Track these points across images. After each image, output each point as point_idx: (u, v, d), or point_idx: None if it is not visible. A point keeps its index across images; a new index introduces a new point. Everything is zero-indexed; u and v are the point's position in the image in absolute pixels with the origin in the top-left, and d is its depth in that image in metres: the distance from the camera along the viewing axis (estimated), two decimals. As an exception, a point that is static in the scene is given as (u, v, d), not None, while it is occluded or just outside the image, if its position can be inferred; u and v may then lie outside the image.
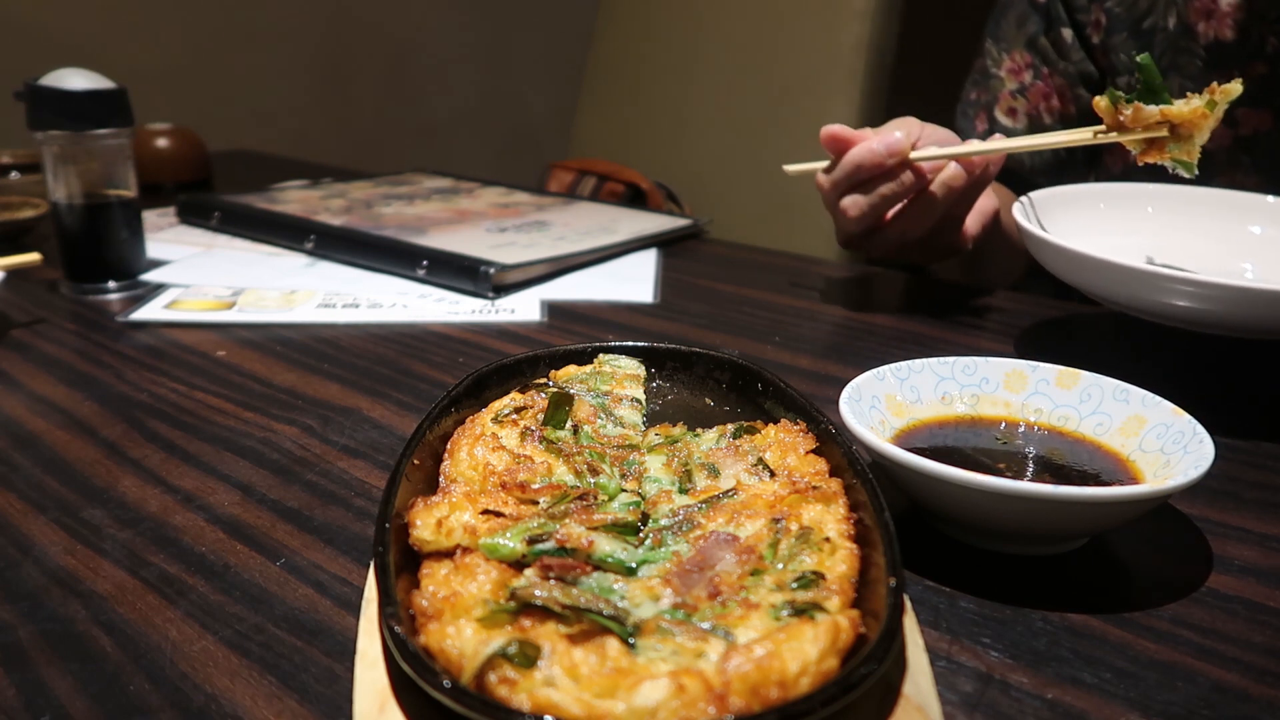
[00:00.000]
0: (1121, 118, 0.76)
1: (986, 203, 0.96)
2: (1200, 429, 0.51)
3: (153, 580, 0.48)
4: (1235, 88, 0.72)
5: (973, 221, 0.95)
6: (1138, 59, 0.75)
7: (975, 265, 1.15)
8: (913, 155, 0.85)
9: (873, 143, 0.85)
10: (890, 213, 0.91)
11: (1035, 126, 1.18)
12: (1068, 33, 1.12)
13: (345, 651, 0.43)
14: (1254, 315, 0.66)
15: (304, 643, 0.44)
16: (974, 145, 0.86)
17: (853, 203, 0.88)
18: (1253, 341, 0.81)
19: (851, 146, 0.87)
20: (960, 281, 1.14)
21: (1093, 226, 0.88)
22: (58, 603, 0.47)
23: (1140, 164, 0.77)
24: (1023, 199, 0.86)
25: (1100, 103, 0.76)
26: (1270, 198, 0.89)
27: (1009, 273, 1.22)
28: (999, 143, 0.87)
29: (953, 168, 0.86)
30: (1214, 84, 0.73)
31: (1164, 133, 0.74)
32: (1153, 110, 0.74)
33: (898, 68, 1.71)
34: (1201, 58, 1.01)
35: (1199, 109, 0.72)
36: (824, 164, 0.91)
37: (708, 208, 1.68)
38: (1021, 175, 1.18)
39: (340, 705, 0.40)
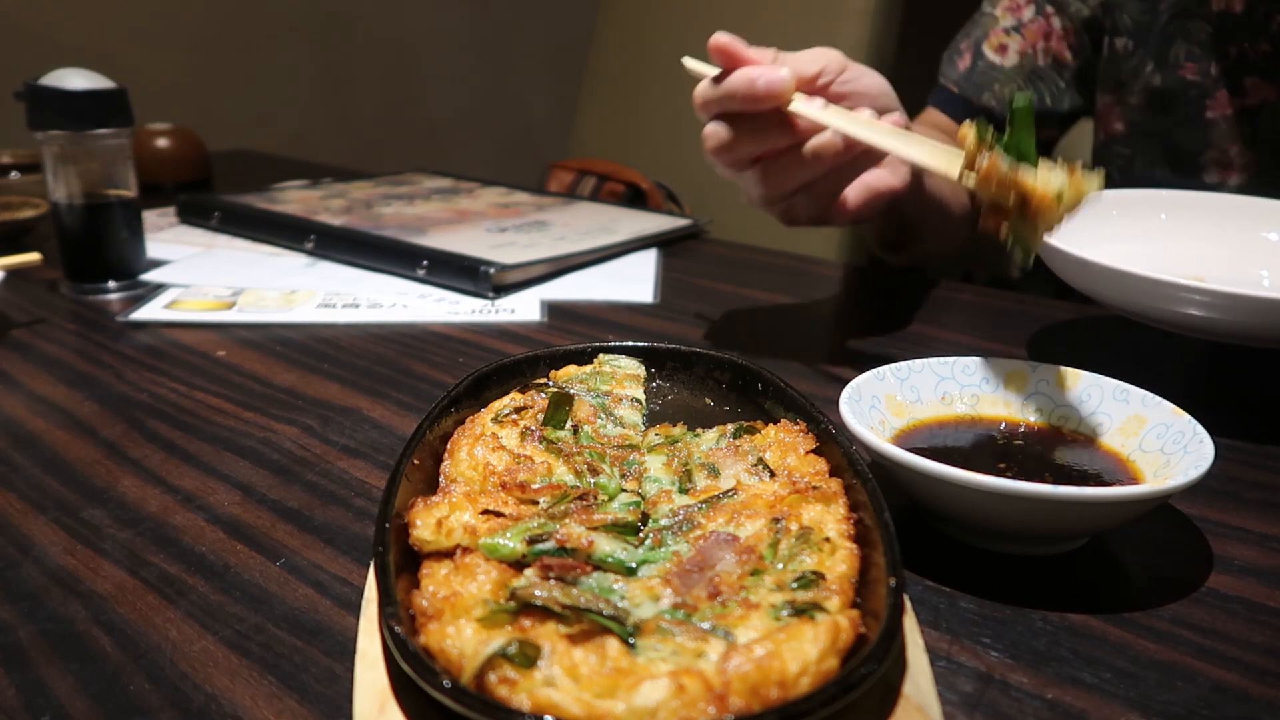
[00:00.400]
0: (977, 162, 0.60)
1: (880, 179, 0.80)
2: (1200, 429, 0.51)
3: (153, 580, 0.48)
4: (1093, 183, 0.57)
5: (855, 194, 0.79)
6: (1015, 102, 0.59)
7: (895, 246, 1.06)
8: (793, 106, 0.71)
9: (755, 75, 0.70)
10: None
11: (1027, 65, 1.10)
12: (1050, 6, 1.09)
13: (345, 651, 0.43)
14: (1269, 325, 0.65)
15: (304, 643, 0.44)
16: (866, 120, 0.71)
17: (713, 132, 0.75)
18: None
19: (738, 66, 0.72)
20: (921, 267, 1.12)
21: (1106, 234, 0.86)
22: (58, 603, 0.47)
23: (981, 228, 0.64)
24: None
25: (965, 133, 0.61)
26: None
27: (941, 249, 1.12)
28: (883, 135, 0.69)
29: (827, 136, 0.71)
30: (1076, 165, 0.58)
31: (1009, 202, 0.59)
32: (1007, 170, 0.58)
33: (898, 68, 1.71)
34: (1211, 26, 0.99)
35: (1048, 197, 0.57)
36: (714, 72, 0.74)
37: (708, 208, 1.68)
38: (1000, 120, 1.09)
39: (340, 705, 0.40)
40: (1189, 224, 0.89)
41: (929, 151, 0.65)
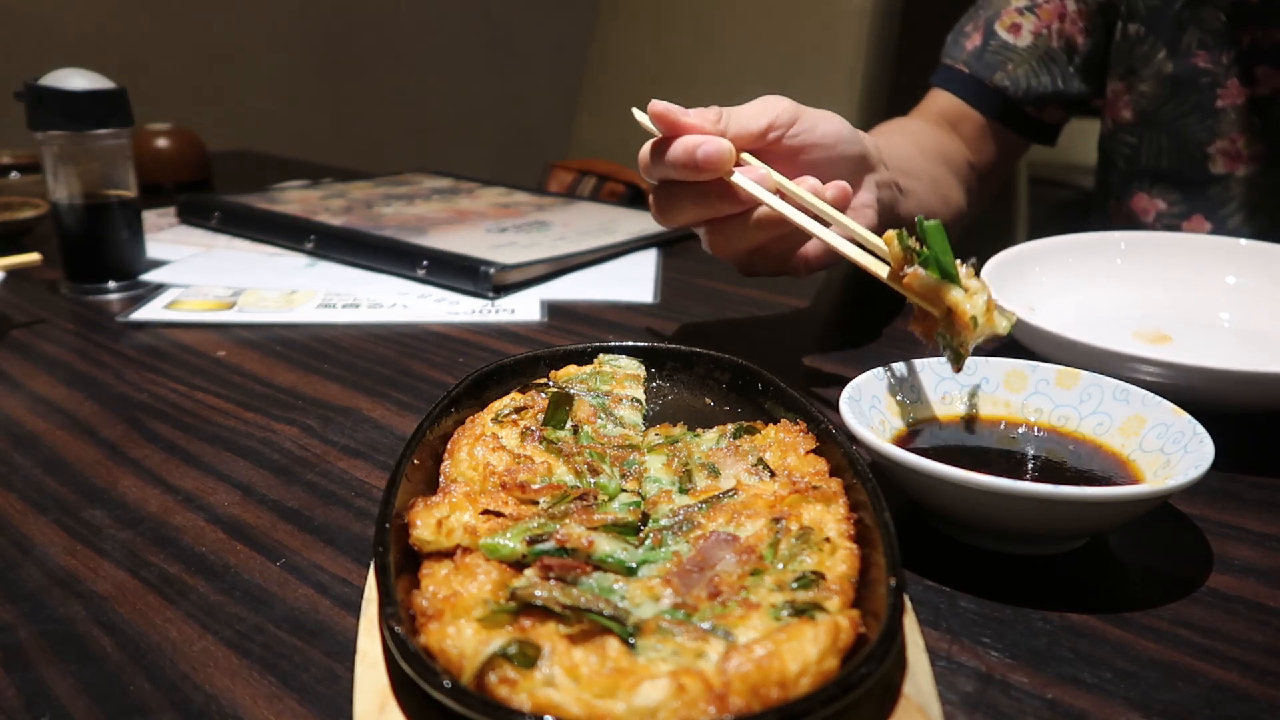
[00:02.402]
0: (902, 273, 0.58)
1: (861, 218, 0.76)
2: (1200, 429, 0.51)
3: (153, 580, 0.48)
4: (1003, 325, 0.56)
5: (815, 249, 0.77)
6: (926, 224, 0.57)
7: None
8: (735, 178, 0.67)
9: (694, 145, 0.67)
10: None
11: (1041, 46, 1.08)
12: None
13: (345, 651, 0.43)
14: (1231, 393, 0.62)
15: (304, 643, 0.44)
16: (805, 195, 0.67)
17: (657, 199, 0.73)
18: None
19: (679, 134, 0.68)
20: None
21: (1065, 284, 0.84)
22: (58, 603, 0.47)
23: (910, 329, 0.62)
24: (993, 261, 0.81)
25: (890, 241, 0.59)
26: (1243, 241, 0.86)
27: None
28: (814, 223, 0.66)
29: (767, 210, 0.68)
30: (995, 301, 0.57)
31: (936, 312, 0.57)
32: (931, 282, 0.57)
33: (898, 68, 1.71)
34: (1224, 14, 0.98)
35: (967, 318, 0.55)
36: (655, 133, 0.71)
37: (708, 208, 1.68)
38: (1009, 99, 1.10)
39: (340, 705, 0.40)
40: (1146, 268, 0.87)
41: (858, 252, 0.63)
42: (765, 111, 0.73)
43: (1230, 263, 0.85)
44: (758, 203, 0.68)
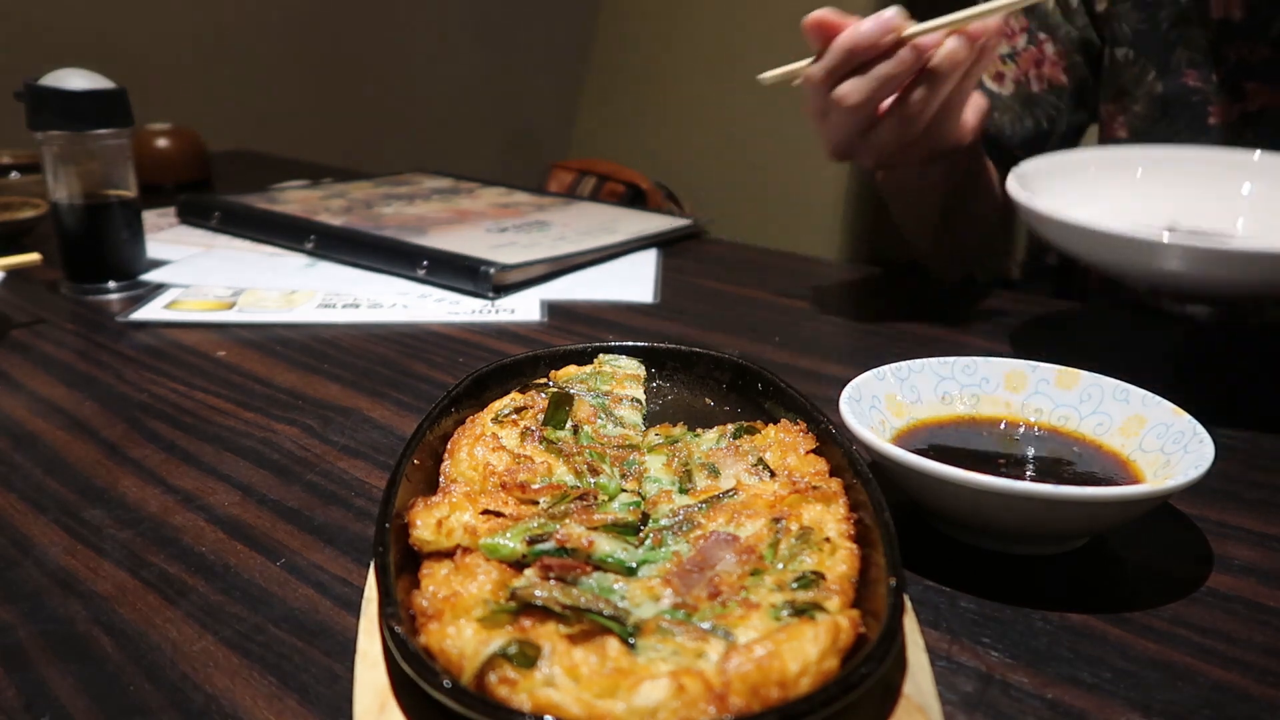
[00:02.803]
0: None
1: (980, 99, 0.92)
2: (1200, 429, 0.51)
3: (153, 580, 0.48)
4: None
5: (971, 112, 0.89)
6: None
7: (951, 226, 1.11)
8: (908, 31, 0.78)
9: (863, 24, 0.77)
10: (885, 104, 0.83)
11: (1022, 93, 1.13)
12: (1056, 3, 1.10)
13: (345, 651, 0.43)
14: (1236, 278, 0.66)
15: (304, 643, 0.44)
16: (967, 11, 0.78)
17: (851, 88, 0.79)
18: (1253, 340, 0.81)
19: (840, 31, 0.78)
20: (941, 253, 1.13)
21: (1086, 194, 0.87)
22: (58, 603, 0.47)
23: None
24: (1014, 171, 0.84)
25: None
26: (1257, 153, 0.89)
27: (981, 242, 1.18)
28: (994, 2, 0.78)
29: (954, 41, 0.78)
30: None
31: None
32: None
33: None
34: (1211, 33, 0.99)
35: None
36: (805, 63, 0.82)
37: (708, 208, 1.68)
38: (1002, 145, 1.14)
39: (340, 705, 0.40)
40: (1166, 178, 0.90)
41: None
42: (892, 9, 0.81)
43: (1245, 174, 0.89)
44: (940, 43, 0.79)
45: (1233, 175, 0.89)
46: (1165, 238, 0.66)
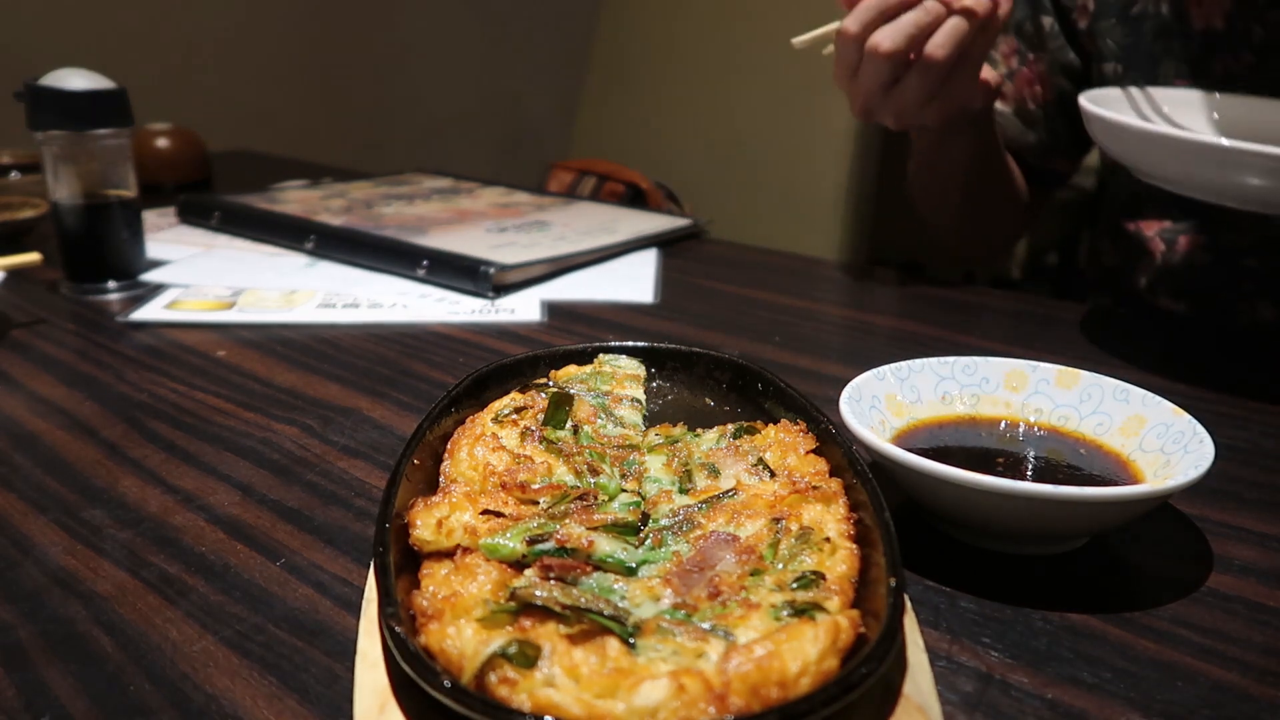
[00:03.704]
0: None
1: (991, 71, 0.97)
2: (1200, 429, 0.51)
3: (153, 580, 0.48)
4: None
5: (989, 72, 0.95)
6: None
7: (968, 209, 1.15)
8: None
9: None
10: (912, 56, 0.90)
11: (1022, 111, 1.17)
12: (1048, 20, 1.13)
13: (345, 652, 0.43)
14: None
15: (304, 643, 0.44)
16: None
17: (885, 34, 0.87)
18: (1252, 340, 0.81)
19: None
20: (958, 254, 1.13)
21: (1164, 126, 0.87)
22: (58, 603, 0.47)
23: None
24: (1086, 96, 0.85)
25: None
26: None
27: (999, 228, 1.21)
28: None
29: None
30: None
31: None
32: None
33: (898, 68, 1.71)
34: (1194, 44, 1.01)
35: None
36: (835, 25, 0.90)
37: (708, 208, 1.68)
38: (1012, 152, 1.18)
39: (340, 705, 0.40)
40: (1244, 124, 0.89)
41: None
42: None
43: None
44: None
45: None
46: (1250, 147, 0.65)
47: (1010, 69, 1.16)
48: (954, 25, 0.87)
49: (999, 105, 1.17)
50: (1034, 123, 1.16)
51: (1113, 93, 0.90)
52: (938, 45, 0.87)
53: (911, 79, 0.90)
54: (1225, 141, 0.66)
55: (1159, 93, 0.92)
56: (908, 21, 0.86)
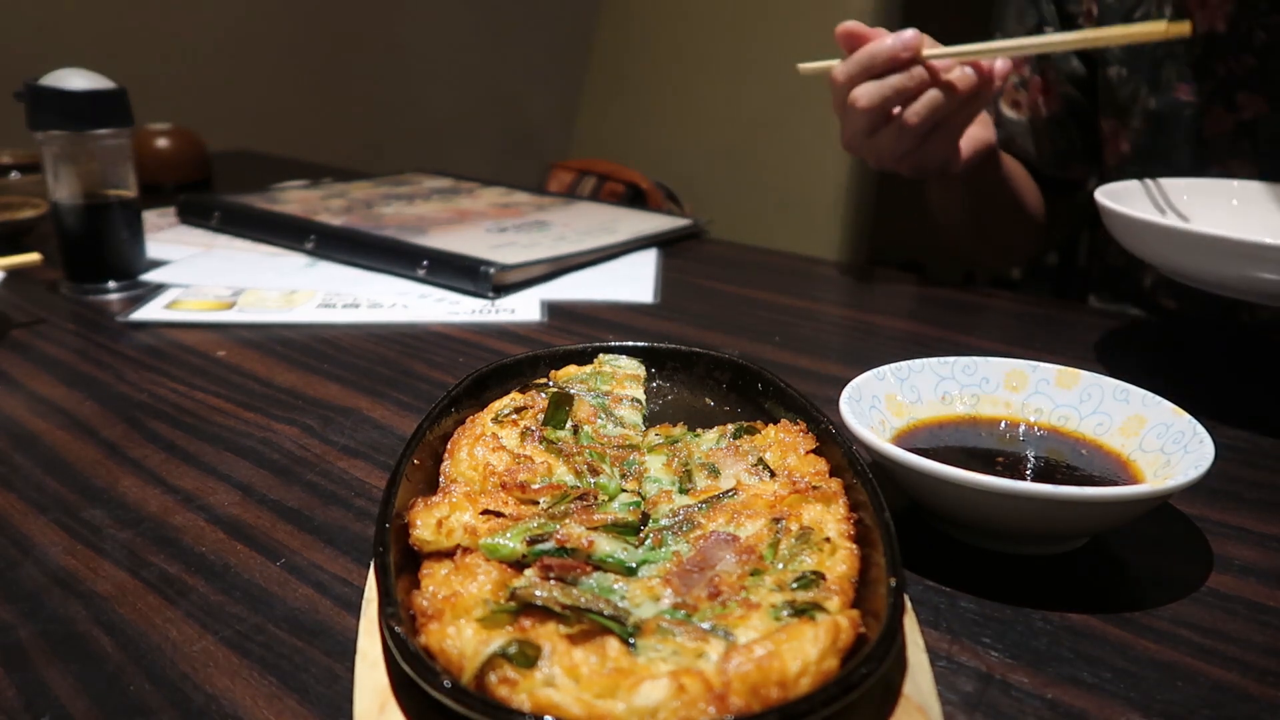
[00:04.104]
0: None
1: (982, 132, 0.99)
2: (1200, 429, 0.51)
3: (153, 580, 0.48)
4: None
5: (966, 143, 0.98)
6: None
7: (977, 231, 1.16)
8: (925, 52, 0.89)
9: (886, 38, 0.89)
10: (894, 112, 0.93)
11: (1034, 119, 1.18)
12: (1051, 30, 1.14)
13: (345, 651, 0.43)
14: None
15: (304, 643, 0.44)
16: (984, 45, 0.89)
17: (864, 91, 0.90)
18: (1252, 341, 0.81)
19: (867, 42, 0.90)
20: (971, 265, 1.14)
21: (1179, 219, 0.86)
22: (58, 603, 0.47)
23: None
24: (1102, 191, 0.83)
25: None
26: None
27: (1013, 248, 1.23)
28: (1010, 41, 0.90)
29: (960, 70, 0.90)
30: None
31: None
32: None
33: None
34: (1197, 47, 1.02)
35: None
36: (838, 61, 0.93)
37: (708, 208, 1.68)
38: (1029, 164, 1.20)
39: (340, 705, 0.40)
40: (1262, 210, 0.88)
41: (1041, 43, 0.93)
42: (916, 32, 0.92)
43: None
44: (952, 68, 0.90)
45: None
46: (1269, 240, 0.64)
47: (1022, 77, 1.17)
48: (932, 96, 0.90)
49: (1013, 114, 1.19)
50: (1047, 130, 1.18)
51: (1130, 185, 0.89)
52: (913, 112, 0.91)
53: (887, 134, 0.93)
54: (1237, 236, 0.65)
55: (1175, 183, 0.92)
56: (889, 84, 0.90)
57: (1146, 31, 0.83)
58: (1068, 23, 1.13)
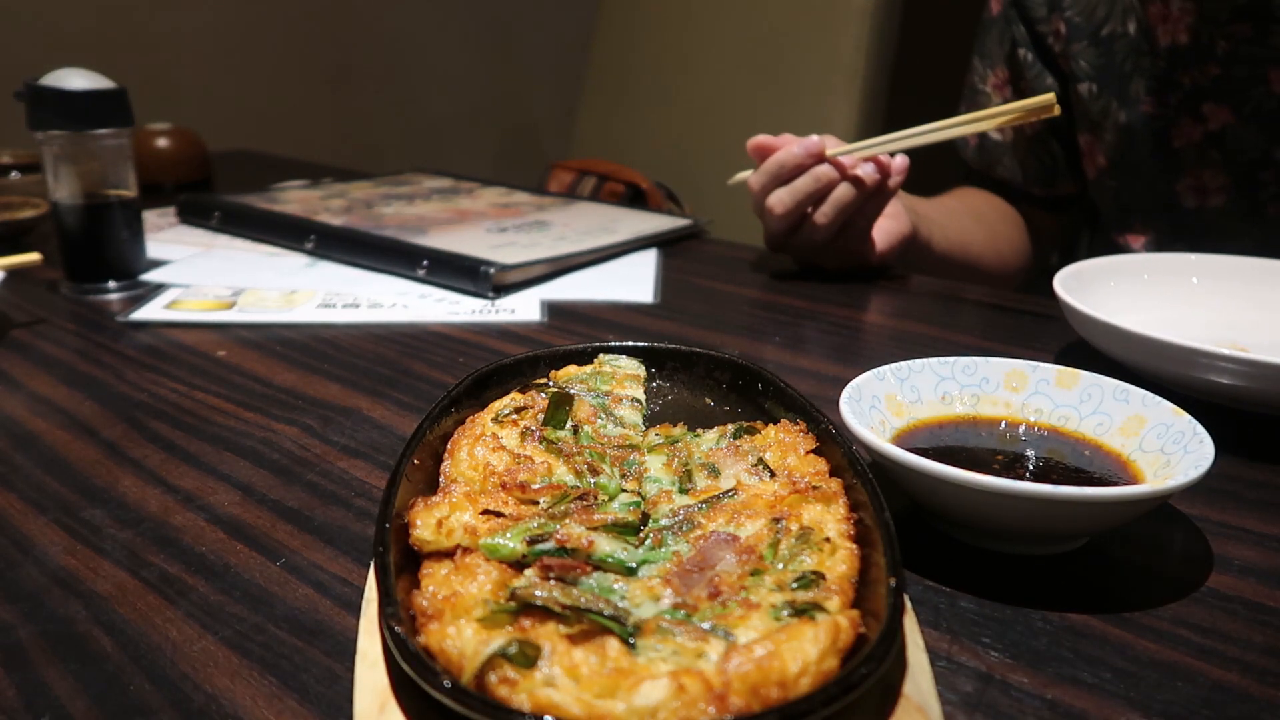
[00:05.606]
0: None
1: (896, 225, 1.04)
2: (1200, 429, 0.51)
3: (153, 580, 0.48)
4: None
5: (880, 237, 1.03)
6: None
7: (963, 274, 1.20)
8: (829, 152, 0.96)
9: (793, 146, 0.96)
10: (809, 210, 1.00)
11: (1019, 139, 1.20)
12: (1023, 52, 1.17)
13: (345, 651, 0.43)
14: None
15: (304, 643, 0.44)
16: (883, 139, 0.95)
17: (776, 199, 0.98)
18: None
19: (774, 151, 0.98)
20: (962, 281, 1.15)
21: (1139, 302, 0.84)
22: (58, 603, 0.47)
23: None
24: (1064, 272, 0.82)
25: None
26: None
27: (1004, 276, 1.26)
28: (905, 133, 0.95)
29: (863, 167, 0.96)
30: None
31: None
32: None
33: (898, 68, 1.71)
34: (1162, 60, 1.03)
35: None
36: (751, 172, 1.01)
37: (708, 208, 1.68)
38: (1015, 189, 1.22)
39: (340, 705, 0.40)
40: (1223, 286, 0.86)
41: (936, 133, 0.94)
42: (828, 139, 1.00)
43: None
44: (853, 165, 0.96)
45: None
46: (1217, 349, 0.63)
47: (1005, 98, 1.21)
48: (839, 194, 0.97)
49: (996, 136, 1.23)
50: (1031, 148, 1.20)
51: (1098, 263, 0.87)
52: (821, 213, 0.98)
53: (804, 233, 1.01)
54: (1185, 341, 0.64)
55: (1135, 259, 0.90)
56: (798, 188, 0.97)
57: (1030, 105, 0.89)
58: (1039, 42, 1.16)
